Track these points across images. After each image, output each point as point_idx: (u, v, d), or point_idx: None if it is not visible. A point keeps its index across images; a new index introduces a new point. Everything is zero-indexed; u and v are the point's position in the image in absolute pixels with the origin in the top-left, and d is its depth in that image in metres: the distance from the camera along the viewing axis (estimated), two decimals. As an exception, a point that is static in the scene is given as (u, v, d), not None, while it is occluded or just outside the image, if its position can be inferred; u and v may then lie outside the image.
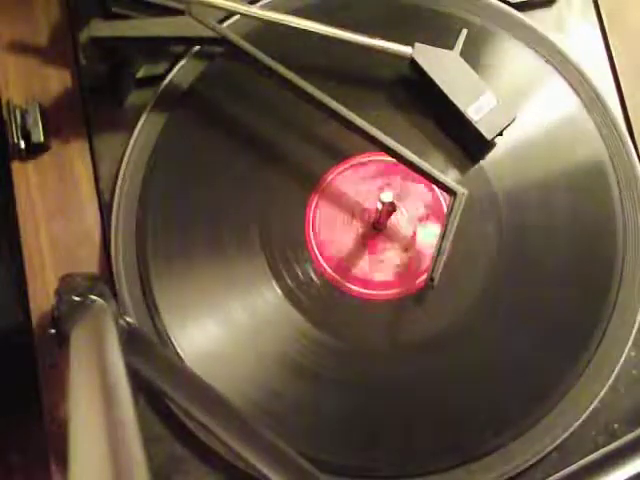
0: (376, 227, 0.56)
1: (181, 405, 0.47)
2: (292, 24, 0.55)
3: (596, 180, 0.56)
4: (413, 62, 0.56)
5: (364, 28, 0.56)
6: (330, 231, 0.56)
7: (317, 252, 0.56)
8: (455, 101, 0.55)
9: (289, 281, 0.55)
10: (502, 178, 0.57)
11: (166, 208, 0.56)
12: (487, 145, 0.56)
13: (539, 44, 0.59)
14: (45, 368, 0.55)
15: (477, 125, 0.55)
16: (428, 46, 0.56)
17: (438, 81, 0.56)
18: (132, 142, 0.57)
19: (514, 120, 0.56)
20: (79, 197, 0.58)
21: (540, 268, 0.55)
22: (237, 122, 0.58)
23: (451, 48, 0.56)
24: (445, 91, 0.56)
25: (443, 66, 0.56)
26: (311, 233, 0.56)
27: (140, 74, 0.59)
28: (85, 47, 0.55)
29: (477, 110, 0.55)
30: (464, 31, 0.56)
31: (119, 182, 0.57)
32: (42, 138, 0.57)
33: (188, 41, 0.58)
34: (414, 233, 0.56)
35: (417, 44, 0.56)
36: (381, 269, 0.55)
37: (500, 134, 0.56)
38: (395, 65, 0.57)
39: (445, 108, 0.56)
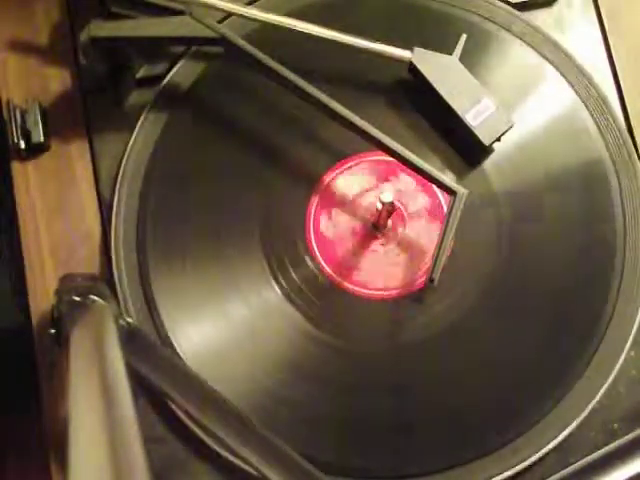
0: (376, 227, 0.56)
1: (182, 405, 0.47)
2: (291, 26, 0.55)
3: (596, 179, 0.56)
4: (412, 66, 0.56)
5: (364, 30, 0.56)
6: (330, 231, 0.56)
7: (317, 252, 0.56)
8: (454, 106, 0.55)
9: (289, 281, 0.55)
10: (502, 178, 0.57)
11: (166, 208, 0.56)
12: (485, 150, 0.56)
13: (539, 44, 0.59)
14: (45, 368, 0.55)
15: (475, 130, 0.55)
16: (427, 50, 0.56)
17: (437, 86, 0.56)
18: (132, 142, 0.57)
19: (512, 126, 0.55)
20: (79, 197, 0.58)
21: (540, 268, 0.55)
22: (237, 122, 0.58)
23: (451, 49, 0.56)
24: (444, 96, 0.55)
25: (442, 71, 0.56)
26: (311, 233, 0.56)
27: (140, 74, 0.59)
28: (85, 47, 0.55)
29: (475, 115, 0.55)
30: (463, 36, 0.56)
31: (119, 182, 0.57)
32: (42, 138, 0.57)
33: (188, 41, 0.58)
34: (414, 233, 0.56)
35: (416, 48, 0.56)
36: (381, 269, 0.55)
37: (498, 140, 0.56)
38: (394, 68, 0.57)
39: (444, 112, 0.56)
